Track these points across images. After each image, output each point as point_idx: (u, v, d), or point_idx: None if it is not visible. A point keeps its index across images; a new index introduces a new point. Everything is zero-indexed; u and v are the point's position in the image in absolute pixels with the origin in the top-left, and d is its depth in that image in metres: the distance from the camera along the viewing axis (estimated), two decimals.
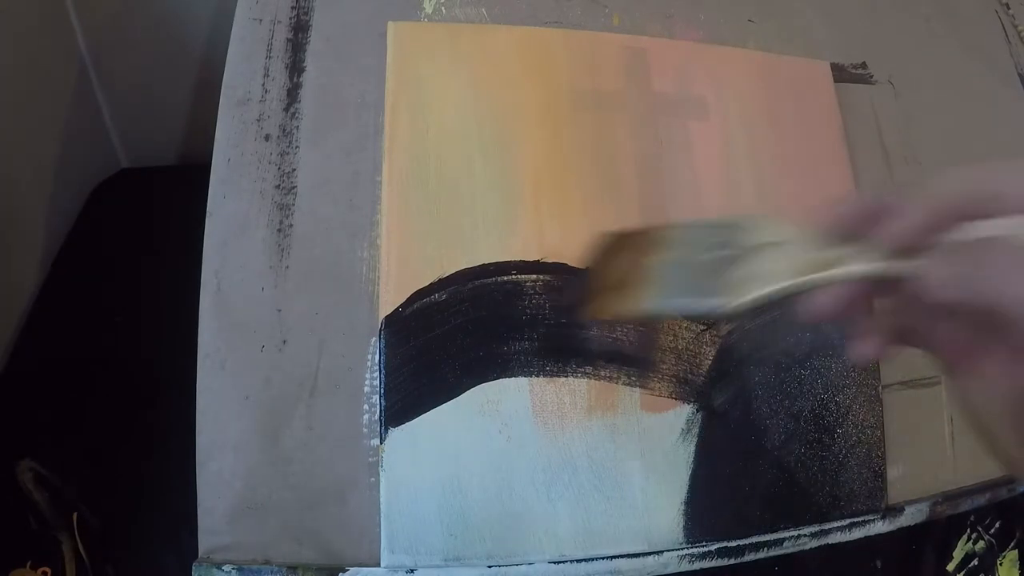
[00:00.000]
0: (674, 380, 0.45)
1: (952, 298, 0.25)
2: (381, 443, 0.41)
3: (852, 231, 0.27)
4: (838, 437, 0.48)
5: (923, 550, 0.59)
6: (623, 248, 0.31)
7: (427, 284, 0.44)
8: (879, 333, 0.29)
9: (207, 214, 0.44)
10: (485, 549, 0.41)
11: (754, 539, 0.45)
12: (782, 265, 0.27)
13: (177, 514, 0.49)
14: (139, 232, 0.74)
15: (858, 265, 0.26)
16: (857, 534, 0.48)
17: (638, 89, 0.50)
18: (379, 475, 0.41)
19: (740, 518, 0.45)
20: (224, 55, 0.47)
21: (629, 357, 0.45)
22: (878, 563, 0.57)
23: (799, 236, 0.27)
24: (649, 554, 0.43)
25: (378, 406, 0.42)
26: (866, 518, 0.48)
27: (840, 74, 0.56)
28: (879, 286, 0.27)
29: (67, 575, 0.55)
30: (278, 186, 0.45)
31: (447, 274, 0.44)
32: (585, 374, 0.44)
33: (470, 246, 0.45)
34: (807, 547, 0.47)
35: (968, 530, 0.60)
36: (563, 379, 0.44)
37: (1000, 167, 0.26)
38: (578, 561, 0.42)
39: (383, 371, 0.42)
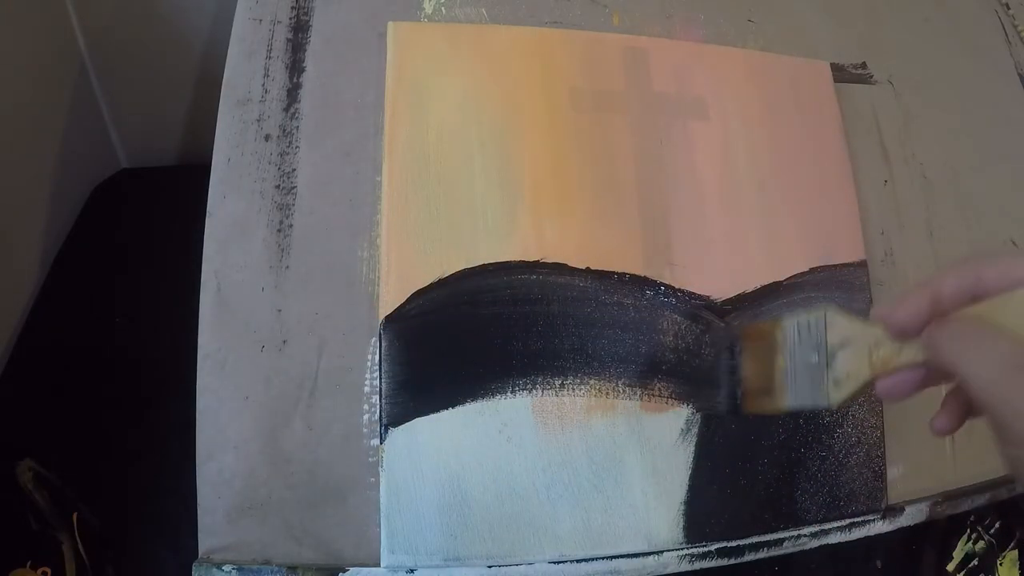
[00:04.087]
0: (674, 380, 0.45)
1: (931, 361, 0.30)
2: (381, 443, 0.41)
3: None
4: (838, 437, 0.48)
5: (923, 550, 0.59)
6: (756, 346, 0.40)
7: (427, 284, 0.44)
8: (950, 410, 0.33)
9: (207, 214, 0.44)
10: (485, 549, 0.41)
11: (754, 539, 0.45)
12: (861, 365, 0.34)
13: (177, 514, 0.49)
14: (139, 232, 0.74)
15: (908, 356, 0.32)
16: (857, 534, 0.48)
17: (638, 89, 0.50)
18: (379, 475, 0.41)
19: (740, 518, 0.45)
20: (224, 55, 0.47)
21: (629, 358, 0.45)
22: (878, 563, 0.57)
23: (864, 332, 0.34)
24: (649, 554, 0.43)
25: (378, 406, 0.42)
26: (866, 518, 0.48)
27: (840, 74, 0.56)
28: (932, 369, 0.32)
29: (67, 575, 0.55)
30: (278, 186, 0.45)
31: (447, 274, 0.44)
32: (585, 374, 0.44)
33: (470, 246, 0.45)
34: (807, 547, 0.47)
35: (968, 530, 0.60)
36: (563, 379, 0.44)
37: (989, 258, 0.30)
38: (578, 561, 0.42)
39: (383, 371, 0.42)
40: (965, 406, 0.32)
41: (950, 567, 0.59)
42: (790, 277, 0.49)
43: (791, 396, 0.37)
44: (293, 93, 0.47)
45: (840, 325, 0.35)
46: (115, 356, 0.66)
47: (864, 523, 0.48)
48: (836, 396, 0.35)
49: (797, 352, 0.37)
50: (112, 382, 0.65)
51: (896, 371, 0.32)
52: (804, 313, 0.37)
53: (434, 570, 0.41)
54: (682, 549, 0.44)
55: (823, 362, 0.35)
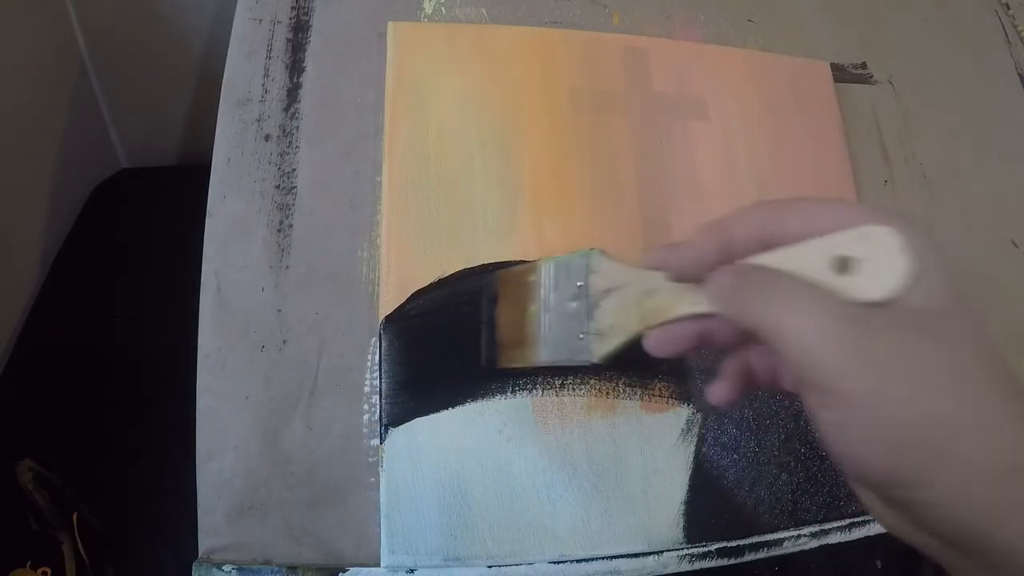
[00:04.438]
0: (674, 380, 0.45)
1: (728, 312, 0.27)
2: (381, 443, 0.41)
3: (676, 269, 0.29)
4: None
5: None
6: (508, 293, 0.35)
7: (427, 284, 0.44)
8: (731, 377, 0.30)
9: (207, 214, 0.44)
10: (485, 549, 0.41)
11: (754, 539, 0.45)
12: (629, 315, 0.29)
13: (177, 514, 0.49)
14: (139, 232, 0.75)
15: (686, 306, 0.28)
16: (857, 534, 0.48)
17: (638, 89, 0.50)
18: (379, 475, 0.41)
19: (740, 518, 0.45)
20: (224, 55, 0.47)
21: (629, 358, 0.45)
22: (878, 563, 0.57)
23: (636, 279, 0.30)
24: (649, 554, 0.43)
25: (378, 406, 0.42)
26: (866, 518, 0.48)
27: (840, 74, 0.56)
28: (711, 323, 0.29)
29: (67, 575, 0.55)
30: (278, 186, 0.45)
31: (447, 274, 0.44)
32: (585, 374, 0.44)
33: (470, 246, 0.45)
34: (807, 547, 0.47)
35: None
36: (563, 379, 0.44)
37: (788, 204, 0.27)
38: (578, 561, 0.42)
39: (383, 371, 0.42)
40: (748, 374, 0.30)
41: None
42: None
43: (546, 349, 0.32)
44: (293, 93, 0.47)
45: (607, 269, 0.30)
46: (115, 356, 0.66)
47: (864, 523, 0.48)
48: (599, 349, 0.30)
49: (552, 299, 0.32)
50: (112, 382, 0.65)
51: (670, 323, 0.29)
52: (565, 256, 0.32)
53: (434, 570, 0.41)
54: (682, 549, 0.44)
55: (583, 311, 0.30)
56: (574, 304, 0.31)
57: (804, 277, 0.26)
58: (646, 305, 0.29)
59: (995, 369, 0.24)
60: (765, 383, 0.30)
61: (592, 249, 0.31)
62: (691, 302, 0.28)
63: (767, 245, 0.27)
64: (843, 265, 0.25)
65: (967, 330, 0.24)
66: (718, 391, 0.30)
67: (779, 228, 0.27)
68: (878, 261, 0.25)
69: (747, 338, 0.29)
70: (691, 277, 0.28)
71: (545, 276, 0.33)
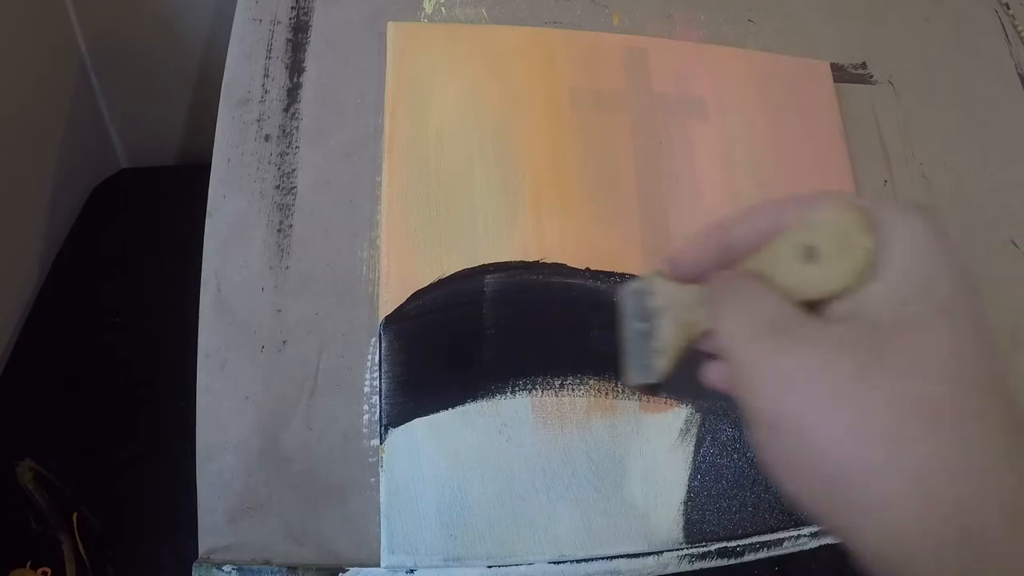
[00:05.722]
0: (673, 380, 0.45)
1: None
2: (381, 443, 0.41)
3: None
4: None
5: None
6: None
7: (427, 284, 0.44)
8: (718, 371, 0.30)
9: (207, 214, 0.44)
10: (485, 549, 0.41)
11: (754, 539, 0.45)
12: (677, 331, 0.30)
13: (176, 514, 0.49)
14: (139, 232, 0.74)
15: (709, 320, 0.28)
16: None
17: (638, 89, 0.50)
18: (379, 475, 0.41)
19: (740, 518, 0.45)
20: (224, 55, 0.47)
21: None
22: None
23: (678, 295, 0.30)
24: (649, 554, 0.43)
25: (378, 406, 0.42)
26: None
27: (840, 74, 0.56)
28: None
29: (67, 575, 0.55)
30: (278, 186, 0.45)
31: (447, 274, 0.44)
32: (585, 374, 0.44)
33: (470, 246, 0.45)
34: (807, 547, 0.47)
35: None
36: (563, 379, 0.44)
37: (785, 201, 0.27)
38: (578, 561, 0.42)
39: (383, 371, 0.42)
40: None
41: None
42: None
43: (629, 371, 0.33)
44: (293, 93, 0.47)
45: (661, 289, 0.31)
46: (115, 356, 0.66)
47: None
48: (660, 366, 0.31)
49: (629, 323, 0.33)
50: (112, 382, 0.65)
51: (707, 334, 0.29)
52: (638, 280, 0.33)
53: (434, 570, 0.41)
54: (682, 549, 0.44)
55: (648, 331, 0.31)
56: (643, 325, 0.32)
57: (776, 273, 0.25)
58: (686, 320, 0.30)
59: (957, 406, 0.20)
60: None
61: (654, 271, 0.32)
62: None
63: (761, 243, 0.26)
64: (809, 254, 0.25)
65: (933, 350, 0.21)
66: (713, 376, 0.30)
67: (776, 225, 0.26)
68: (834, 248, 0.24)
69: None
70: (691, 279, 0.28)
71: (624, 302, 0.34)
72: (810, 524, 0.46)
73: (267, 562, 0.40)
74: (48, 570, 0.54)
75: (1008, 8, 0.64)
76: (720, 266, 0.28)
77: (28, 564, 0.54)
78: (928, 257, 0.22)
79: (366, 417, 0.42)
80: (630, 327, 0.33)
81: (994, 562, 0.19)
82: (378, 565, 0.40)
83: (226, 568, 0.39)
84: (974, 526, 0.19)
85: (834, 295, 0.24)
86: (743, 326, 0.24)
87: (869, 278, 0.23)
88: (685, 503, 0.44)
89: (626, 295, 0.33)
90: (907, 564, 0.20)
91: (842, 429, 0.20)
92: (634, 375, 0.33)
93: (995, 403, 0.20)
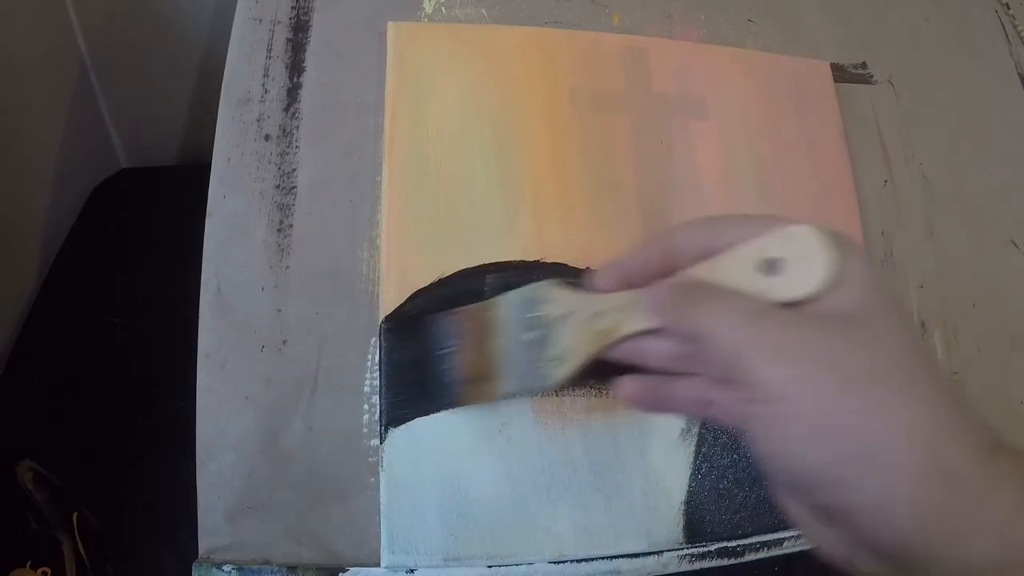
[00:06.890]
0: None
1: (667, 323, 0.29)
2: (381, 443, 0.41)
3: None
4: None
5: None
6: (468, 331, 0.37)
7: (427, 284, 0.44)
8: (642, 387, 0.32)
9: (207, 214, 0.44)
10: (485, 549, 0.41)
11: (754, 539, 0.45)
12: (582, 338, 0.31)
13: (177, 514, 0.49)
14: (139, 232, 0.74)
15: (634, 324, 0.30)
16: None
17: (638, 89, 0.50)
18: (379, 475, 0.41)
19: (740, 518, 0.45)
20: (224, 55, 0.47)
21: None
22: None
23: (586, 303, 0.31)
24: (649, 554, 0.43)
25: (378, 406, 0.42)
26: None
27: (840, 74, 0.56)
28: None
29: (67, 575, 0.55)
30: (278, 186, 0.45)
31: (447, 274, 0.44)
32: (585, 375, 0.44)
33: (470, 246, 0.45)
34: (807, 547, 0.47)
35: None
36: None
37: (728, 217, 0.30)
38: (578, 561, 0.42)
39: (383, 371, 0.42)
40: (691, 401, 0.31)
41: None
42: None
43: (508, 380, 0.34)
44: (293, 93, 0.47)
45: (559, 297, 0.32)
46: (115, 356, 0.66)
47: None
48: (557, 374, 0.32)
49: (511, 331, 0.33)
50: (112, 382, 0.65)
51: (623, 340, 0.31)
52: (521, 289, 0.34)
53: (434, 570, 0.41)
54: (682, 549, 0.44)
55: (540, 339, 0.32)
56: (531, 334, 0.32)
57: (733, 282, 0.27)
58: (597, 327, 0.31)
59: (925, 373, 0.25)
60: (697, 412, 0.32)
61: (544, 280, 0.33)
62: (638, 320, 0.30)
63: (707, 255, 0.29)
64: (770, 267, 0.27)
65: (895, 333, 0.25)
66: (629, 385, 0.31)
67: (719, 239, 0.29)
68: (800, 260, 0.27)
69: (686, 358, 0.30)
70: (637, 285, 0.30)
71: (503, 310, 0.35)
72: None
73: (267, 562, 0.40)
74: (48, 570, 0.54)
75: (1008, 8, 0.64)
76: (661, 275, 0.30)
77: (28, 564, 0.54)
78: (868, 264, 0.27)
79: (366, 417, 0.42)
80: (514, 336, 0.33)
81: (967, 499, 0.23)
82: (378, 565, 0.40)
83: (226, 568, 0.39)
84: (950, 467, 0.23)
85: (795, 302, 0.27)
86: (735, 313, 0.26)
87: (829, 290, 0.26)
88: (685, 503, 0.44)
89: (509, 304, 0.34)
90: (897, 505, 0.23)
91: (852, 396, 0.24)
92: (521, 383, 0.33)
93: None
